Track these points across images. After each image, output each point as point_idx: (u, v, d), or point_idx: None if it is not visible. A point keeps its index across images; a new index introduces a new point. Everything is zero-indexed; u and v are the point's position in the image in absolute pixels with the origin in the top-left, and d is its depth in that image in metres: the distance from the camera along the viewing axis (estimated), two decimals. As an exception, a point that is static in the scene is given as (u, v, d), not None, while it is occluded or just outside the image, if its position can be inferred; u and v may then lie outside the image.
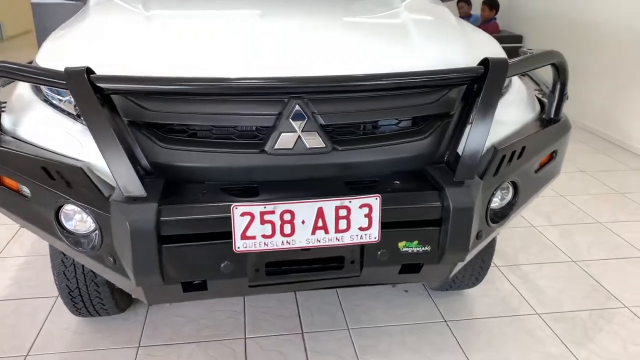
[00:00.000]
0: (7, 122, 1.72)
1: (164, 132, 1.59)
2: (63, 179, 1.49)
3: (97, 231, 1.49)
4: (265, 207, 1.44)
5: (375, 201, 1.49)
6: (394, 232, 1.55)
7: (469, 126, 1.63)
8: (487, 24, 6.54)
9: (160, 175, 1.56)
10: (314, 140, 1.59)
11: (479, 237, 1.67)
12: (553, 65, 1.84)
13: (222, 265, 1.49)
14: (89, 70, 1.46)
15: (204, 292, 1.57)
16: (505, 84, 1.95)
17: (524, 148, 1.75)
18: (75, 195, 1.48)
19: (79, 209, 1.50)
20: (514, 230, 3.34)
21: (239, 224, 1.44)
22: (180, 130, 1.61)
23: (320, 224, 1.48)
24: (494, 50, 1.94)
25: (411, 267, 1.64)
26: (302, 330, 2.41)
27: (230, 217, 1.43)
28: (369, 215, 1.50)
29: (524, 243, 3.19)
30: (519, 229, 3.35)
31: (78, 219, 1.54)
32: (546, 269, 2.93)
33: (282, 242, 1.48)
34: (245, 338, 2.36)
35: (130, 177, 1.40)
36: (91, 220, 1.50)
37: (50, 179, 1.51)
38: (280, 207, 1.45)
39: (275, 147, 1.58)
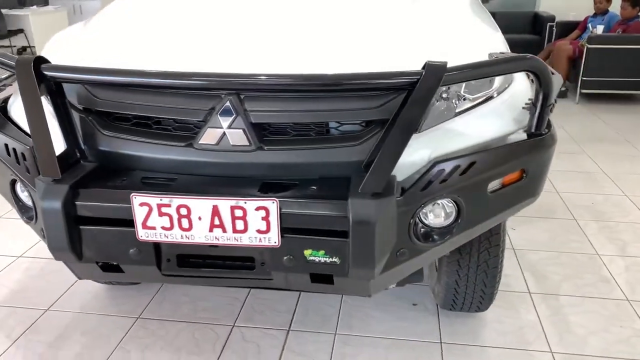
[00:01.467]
0: (12, 108, 1.95)
1: (110, 121, 1.70)
2: (16, 157, 1.67)
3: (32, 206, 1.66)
4: (161, 200, 1.48)
5: (272, 205, 1.45)
6: (298, 239, 1.50)
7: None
8: (628, 24, 5.80)
9: (99, 160, 1.67)
10: (238, 138, 1.58)
11: (400, 255, 1.54)
12: (531, 72, 1.61)
13: (131, 251, 1.56)
14: (38, 60, 1.60)
15: (122, 274, 1.66)
16: (496, 90, 1.76)
17: (472, 164, 1.57)
18: (20, 171, 1.66)
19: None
20: (573, 255, 2.98)
21: (139, 214, 1.50)
22: (123, 119, 1.71)
23: (217, 222, 1.48)
24: (492, 47, 1.76)
25: (323, 277, 1.57)
26: (289, 328, 2.41)
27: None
28: (266, 219, 1.47)
29: (577, 271, 2.83)
30: (579, 255, 2.98)
31: (25, 194, 1.72)
32: (589, 304, 2.57)
33: (182, 235, 1.51)
34: (233, 326, 2.42)
35: (48, 158, 1.53)
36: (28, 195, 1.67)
37: (7, 155, 1.70)
38: (177, 201, 1.48)
39: (200, 142, 1.60)
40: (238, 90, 1.55)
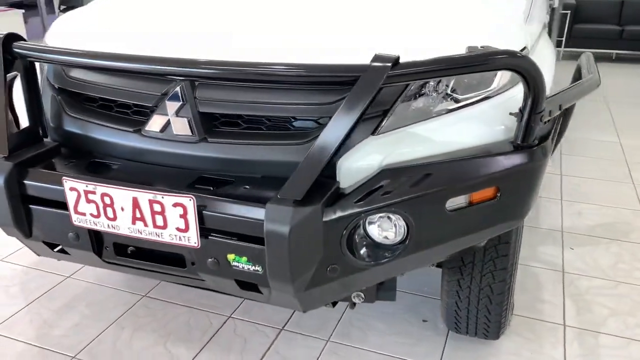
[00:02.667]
0: None
1: (76, 102, 1.70)
2: None
3: None
4: (87, 186, 1.43)
5: (189, 202, 1.35)
6: (219, 242, 1.38)
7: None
8: None
9: (62, 140, 1.67)
10: (182, 127, 1.50)
11: (331, 271, 1.36)
12: (516, 72, 1.34)
13: (69, 235, 1.55)
14: (8, 38, 1.62)
15: (67, 256, 1.65)
16: (495, 90, 1.51)
17: (426, 175, 1.34)
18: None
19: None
20: (634, 287, 2.55)
21: (70, 198, 1.47)
22: (90, 101, 1.69)
23: (138, 215, 1.41)
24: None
25: (250, 285, 1.44)
26: (282, 327, 2.31)
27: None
28: (184, 217, 1.37)
29: (631, 308, 2.41)
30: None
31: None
32: (635, 348, 2.18)
33: (108, 225, 1.46)
34: (229, 317, 2.37)
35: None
36: None
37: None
38: (100, 189, 1.43)
39: (146, 129, 1.54)
40: (182, 76, 1.46)
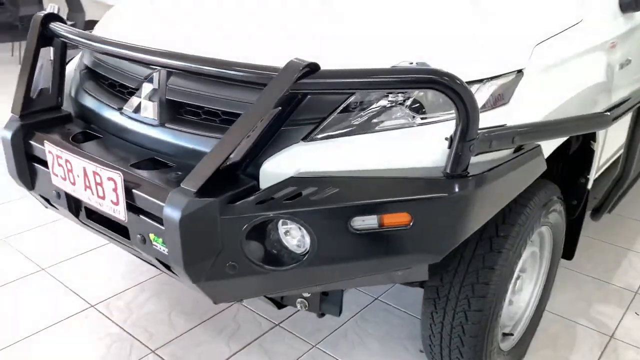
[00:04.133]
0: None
1: (92, 78, 1.91)
2: None
3: None
4: (58, 152, 1.61)
5: (118, 177, 1.45)
6: (143, 220, 1.46)
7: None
8: None
9: (74, 110, 1.90)
10: (149, 110, 1.62)
11: (229, 268, 1.36)
12: (446, 95, 1.22)
13: (52, 192, 1.75)
14: (46, 17, 1.87)
15: (58, 210, 1.86)
16: (449, 113, 1.41)
17: (329, 189, 1.28)
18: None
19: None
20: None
21: (49, 160, 1.66)
22: (101, 78, 1.89)
23: (87, 183, 1.55)
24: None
25: (169, 266, 1.49)
26: (278, 323, 2.34)
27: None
28: (115, 191, 1.47)
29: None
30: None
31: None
32: None
33: (71, 189, 1.62)
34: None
35: (18, 98, 1.80)
36: None
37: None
38: (65, 155, 1.59)
39: (124, 108, 1.69)
40: (149, 63, 1.56)
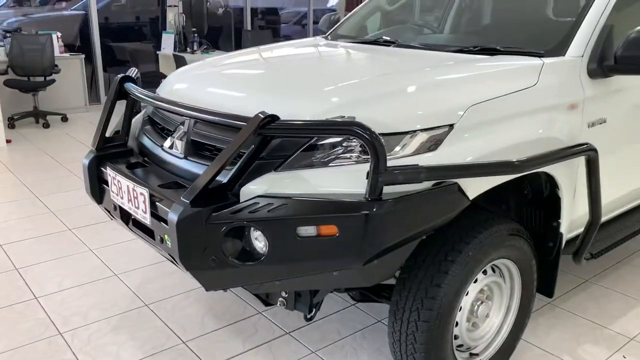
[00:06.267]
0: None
1: (149, 123, 2.55)
2: None
3: None
4: (114, 175, 2.22)
5: (146, 192, 2.01)
6: (159, 224, 2.00)
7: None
8: None
9: (135, 147, 2.53)
10: (177, 147, 2.20)
11: (212, 261, 1.84)
12: (358, 139, 1.68)
13: (111, 205, 2.36)
14: (123, 78, 2.54)
15: (115, 220, 2.46)
16: (400, 155, 1.85)
17: (283, 205, 1.75)
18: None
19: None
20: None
21: (109, 181, 2.29)
22: (155, 124, 2.52)
23: (130, 197, 2.14)
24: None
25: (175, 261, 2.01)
26: (289, 332, 2.78)
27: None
28: (144, 202, 2.04)
29: None
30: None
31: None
32: None
33: (120, 202, 2.22)
34: (259, 312, 2.94)
35: (96, 137, 2.45)
36: None
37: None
38: (118, 177, 2.19)
39: (163, 145, 2.29)
40: (182, 115, 2.15)
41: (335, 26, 3.54)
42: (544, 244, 2.47)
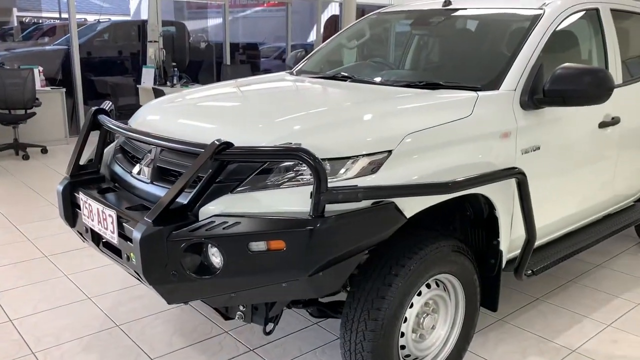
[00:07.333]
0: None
1: (120, 151, 2.74)
2: None
3: None
4: (85, 199, 2.40)
5: (114, 214, 2.19)
6: (125, 244, 2.18)
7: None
8: None
9: (106, 174, 2.72)
10: (144, 173, 2.39)
11: (173, 275, 2.00)
12: (302, 162, 1.90)
13: (84, 228, 2.53)
14: (97, 111, 2.74)
15: (87, 242, 2.63)
16: (344, 177, 2.05)
17: (236, 223, 1.94)
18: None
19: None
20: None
21: (81, 205, 2.46)
22: (125, 152, 2.71)
23: (99, 218, 2.32)
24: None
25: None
26: (251, 349, 2.93)
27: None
28: (112, 223, 2.22)
29: None
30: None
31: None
32: None
33: (91, 224, 2.39)
34: (225, 331, 3.09)
35: (70, 164, 2.63)
36: None
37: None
38: (89, 201, 2.37)
39: (132, 171, 2.48)
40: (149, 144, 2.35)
41: (300, 63, 3.79)
42: (487, 261, 2.68)
